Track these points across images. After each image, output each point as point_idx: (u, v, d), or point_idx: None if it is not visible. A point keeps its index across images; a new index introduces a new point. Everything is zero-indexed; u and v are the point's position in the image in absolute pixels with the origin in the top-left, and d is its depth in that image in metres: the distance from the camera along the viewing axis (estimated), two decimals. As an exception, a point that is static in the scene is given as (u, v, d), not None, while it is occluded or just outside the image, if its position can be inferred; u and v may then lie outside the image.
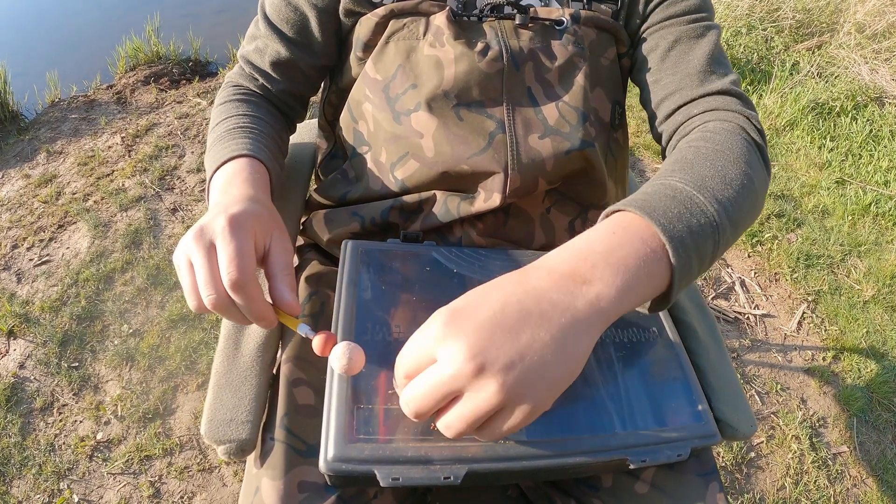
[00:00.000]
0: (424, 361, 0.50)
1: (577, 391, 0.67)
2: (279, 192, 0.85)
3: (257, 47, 0.91)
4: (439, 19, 0.83)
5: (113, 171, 2.63)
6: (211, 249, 0.59)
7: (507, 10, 0.85)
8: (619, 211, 0.60)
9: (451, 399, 0.50)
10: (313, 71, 0.93)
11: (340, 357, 0.57)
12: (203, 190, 2.54)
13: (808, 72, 3.36)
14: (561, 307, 0.50)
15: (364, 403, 0.60)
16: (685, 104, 0.83)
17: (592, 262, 0.53)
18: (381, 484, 0.56)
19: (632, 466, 0.64)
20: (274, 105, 0.95)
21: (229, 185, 0.72)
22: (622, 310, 0.53)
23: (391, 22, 0.84)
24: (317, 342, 0.59)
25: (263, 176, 0.77)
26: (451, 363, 0.48)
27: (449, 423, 0.51)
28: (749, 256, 2.44)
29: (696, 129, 0.78)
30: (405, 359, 0.52)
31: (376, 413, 0.60)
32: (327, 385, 0.62)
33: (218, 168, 0.76)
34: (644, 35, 0.89)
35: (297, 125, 1.04)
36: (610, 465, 0.65)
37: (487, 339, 0.48)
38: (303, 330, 0.61)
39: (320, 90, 1.02)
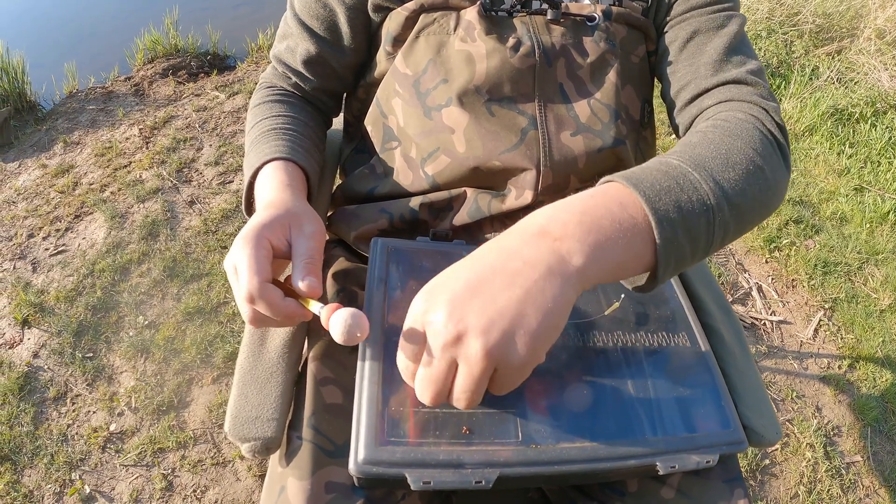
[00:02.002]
0: (420, 344, 0.53)
1: (607, 396, 0.66)
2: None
3: (288, 46, 0.92)
4: (470, 14, 0.82)
5: (130, 162, 2.64)
6: (234, 272, 0.64)
7: (536, 5, 0.84)
8: (606, 183, 0.60)
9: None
10: (345, 69, 0.93)
11: (339, 323, 0.57)
12: (221, 183, 2.55)
13: (828, 77, 3.34)
14: (531, 263, 0.51)
15: (394, 406, 0.60)
16: (699, 95, 0.82)
17: (563, 221, 0.53)
18: (413, 487, 0.56)
19: (661, 472, 0.63)
20: (309, 103, 0.96)
21: (259, 195, 0.77)
22: (598, 270, 0.53)
23: (421, 16, 0.83)
24: (324, 314, 0.60)
25: (295, 176, 0.79)
26: (435, 336, 0.50)
27: (457, 398, 0.53)
28: (766, 262, 2.42)
29: (707, 120, 0.76)
30: (403, 350, 0.55)
31: (406, 416, 0.60)
32: (357, 386, 0.62)
33: (255, 174, 0.79)
34: (665, 28, 0.89)
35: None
36: (639, 470, 0.64)
37: (464, 304, 0.49)
38: (315, 308, 0.62)
39: None
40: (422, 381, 0.53)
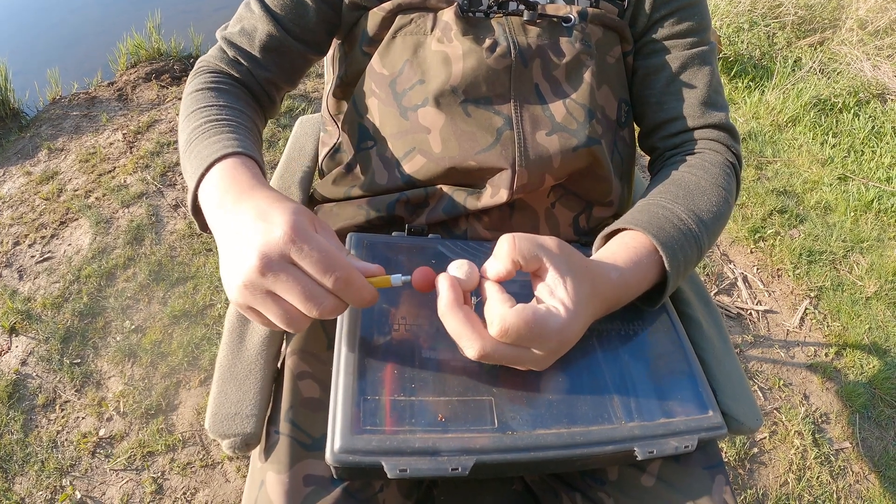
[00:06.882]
0: (528, 341, 0.59)
1: (583, 383, 0.67)
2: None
3: (244, 29, 0.86)
4: (447, 15, 0.82)
5: (114, 167, 2.63)
6: (292, 268, 0.54)
7: (513, 6, 0.85)
8: (642, 234, 0.73)
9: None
10: (301, 60, 0.90)
11: (461, 266, 0.61)
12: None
13: (811, 68, 3.36)
14: (587, 319, 0.64)
15: (370, 395, 0.60)
16: (687, 131, 0.91)
17: (626, 298, 0.71)
18: (389, 475, 0.56)
19: (639, 458, 0.64)
20: (253, 96, 0.88)
21: (246, 185, 0.63)
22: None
23: (398, 17, 0.83)
24: (417, 277, 0.61)
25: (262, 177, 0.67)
26: (541, 364, 0.63)
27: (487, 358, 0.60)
28: (752, 252, 2.44)
29: (695, 156, 0.88)
30: (525, 328, 0.57)
31: (383, 405, 0.60)
32: (333, 377, 0.62)
33: (215, 163, 0.66)
34: (648, 50, 0.91)
35: (302, 119, 1.03)
36: (617, 456, 0.65)
37: (562, 351, 0.63)
38: (397, 280, 0.61)
39: (325, 84, 1.01)
40: (494, 355, 0.59)
